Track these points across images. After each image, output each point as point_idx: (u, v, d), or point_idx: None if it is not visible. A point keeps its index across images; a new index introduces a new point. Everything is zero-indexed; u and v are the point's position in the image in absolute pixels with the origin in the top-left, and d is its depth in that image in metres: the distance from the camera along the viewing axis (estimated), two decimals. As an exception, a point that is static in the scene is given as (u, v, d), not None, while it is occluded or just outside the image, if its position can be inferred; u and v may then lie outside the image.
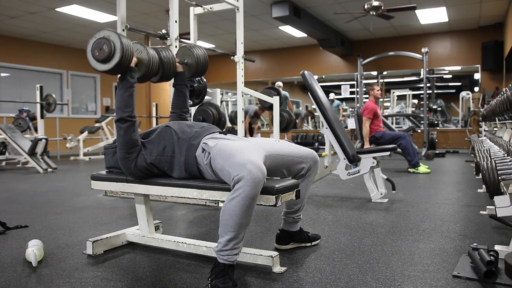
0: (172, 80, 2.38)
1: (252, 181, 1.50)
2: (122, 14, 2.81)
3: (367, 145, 5.35)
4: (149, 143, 1.88)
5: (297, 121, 9.76)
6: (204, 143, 1.78)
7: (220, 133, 1.91)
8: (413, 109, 13.04)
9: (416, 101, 13.51)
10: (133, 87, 1.89)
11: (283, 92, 8.32)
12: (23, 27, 8.86)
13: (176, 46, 3.10)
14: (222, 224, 1.57)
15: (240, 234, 1.58)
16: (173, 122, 1.98)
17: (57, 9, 7.66)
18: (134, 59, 1.94)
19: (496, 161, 2.02)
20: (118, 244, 2.17)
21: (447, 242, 2.20)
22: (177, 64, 2.31)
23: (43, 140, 6.23)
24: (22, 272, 1.81)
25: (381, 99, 6.03)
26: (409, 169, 5.44)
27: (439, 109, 11.95)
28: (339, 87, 11.99)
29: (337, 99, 12.11)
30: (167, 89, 12.95)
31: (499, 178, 1.85)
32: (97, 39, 1.85)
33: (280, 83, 8.91)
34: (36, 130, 7.31)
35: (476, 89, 10.26)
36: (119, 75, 1.92)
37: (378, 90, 5.69)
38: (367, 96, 6.34)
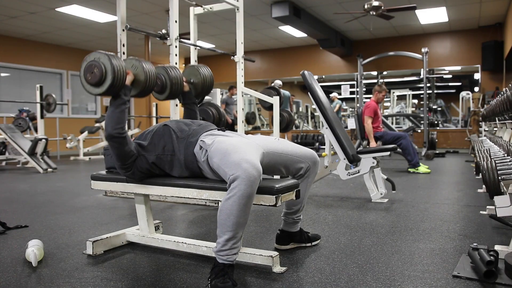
0: (182, 100, 2.42)
1: (248, 180, 1.50)
2: (122, 14, 2.81)
3: (373, 143, 5.33)
4: (149, 144, 1.88)
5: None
6: (201, 140, 1.78)
7: (217, 130, 1.91)
8: (413, 109, 13.04)
9: (416, 101, 13.51)
10: (126, 104, 1.85)
11: (284, 92, 8.31)
12: (23, 27, 8.86)
13: (176, 46, 3.11)
14: (220, 224, 1.57)
15: (238, 234, 1.58)
16: (170, 121, 1.99)
17: (57, 9, 7.66)
18: (130, 77, 1.92)
19: (496, 161, 2.02)
20: (118, 244, 2.17)
21: (447, 242, 2.20)
22: (184, 83, 2.36)
23: (43, 140, 6.22)
24: (22, 272, 1.81)
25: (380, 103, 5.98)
26: (409, 169, 5.44)
27: (439, 109, 11.95)
28: (339, 87, 11.99)
29: (337, 99, 12.11)
30: (167, 89, 12.93)
31: (499, 178, 1.84)
32: (87, 62, 1.83)
33: (279, 82, 8.88)
34: (36, 130, 7.31)
35: (476, 89, 10.26)
36: None
37: (383, 95, 5.68)
38: (367, 96, 6.34)
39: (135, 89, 2.01)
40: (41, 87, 6.77)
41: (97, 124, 8.87)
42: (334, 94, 11.34)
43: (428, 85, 8.11)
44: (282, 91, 8.34)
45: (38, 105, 6.70)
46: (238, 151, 1.62)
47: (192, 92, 2.45)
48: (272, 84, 8.66)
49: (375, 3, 6.65)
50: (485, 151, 2.46)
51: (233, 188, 1.52)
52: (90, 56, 1.84)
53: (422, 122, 8.29)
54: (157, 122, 9.69)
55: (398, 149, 5.26)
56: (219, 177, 1.73)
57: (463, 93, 10.91)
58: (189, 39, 3.83)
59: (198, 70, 2.48)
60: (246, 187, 1.50)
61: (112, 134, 1.80)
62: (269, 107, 4.14)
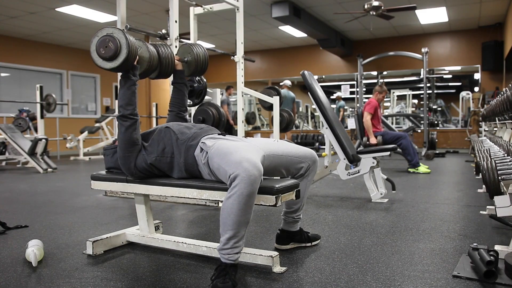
0: (172, 79, 2.38)
1: (248, 179, 1.50)
2: (122, 14, 2.81)
3: (372, 139, 5.32)
4: (149, 145, 1.88)
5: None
6: (202, 142, 1.78)
7: (219, 134, 1.91)
8: (413, 109, 13.04)
9: (416, 101, 13.51)
10: (135, 84, 1.89)
11: (291, 94, 8.26)
12: (23, 27, 8.86)
13: (176, 46, 3.11)
14: (222, 223, 1.57)
15: (240, 233, 1.58)
16: (172, 123, 1.98)
17: (57, 9, 7.66)
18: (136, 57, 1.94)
19: (496, 161, 2.02)
20: (118, 244, 2.17)
21: (447, 242, 2.20)
22: (176, 61, 2.30)
23: (43, 140, 6.23)
24: (22, 272, 1.81)
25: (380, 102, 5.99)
26: (409, 169, 5.44)
27: (439, 109, 11.95)
28: (339, 87, 11.99)
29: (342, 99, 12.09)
30: (167, 89, 12.95)
31: (499, 178, 1.84)
32: (101, 37, 1.83)
33: (289, 82, 8.79)
34: (36, 130, 7.31)
35: (476, 89, 10.26)
36: (120, 73, 1.91)
37: (383, 96, 5.68)
38: (367, 96, 6.33)
39: (140, 68, 2.02)
40: (41, 87, 6.77)
41: (97, 124, 8.87)
42: (338, 94, 11.32)
43: (428, 85, 8.11)
44: (289, 92, 8.33)
45: (38, 105, 6.70)
46: (239, 151, 1.62)
47: (186, 71, 2.38)
48: (281, 84, 8.64)
49: (375, 3, 6.65)
50: (485, 151, 2.46)
51: (234, 187, 1.52)
52: (102, 31, 1.84)
53: (422, 122, 8.29)
54: (157, 122, 9.70)
55: (398, 149, 5.26)
56: (218, 179, 1.72)
57: (463, 93, 10.91)
58: (189, 39, 3.83)
59: (191, 47, 2.42)
60: (246, 186, 1.50)
61: (125, 115, 1.83)
62: (269, 107, 4.14)
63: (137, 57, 1.94)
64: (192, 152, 1.80)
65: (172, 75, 2.34)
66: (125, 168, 1.90)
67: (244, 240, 1.63)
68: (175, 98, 2.31)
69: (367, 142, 5.30)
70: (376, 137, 5.39)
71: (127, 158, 1.86)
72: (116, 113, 1.90)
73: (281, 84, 8.71)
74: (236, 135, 3.54)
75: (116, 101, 1.90)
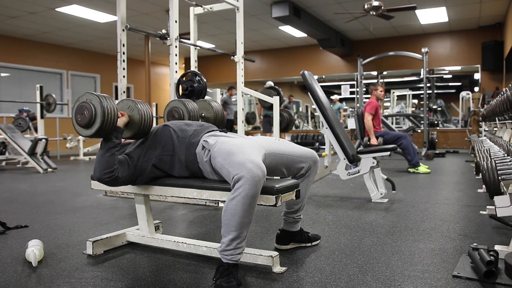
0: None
1: (252, 180, 1.50)
2: (122, 14, 2.82)
3: (373, 140, 5.32)
4: (148, 148, 1.86)
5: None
6: (204, 140, 1.78)
7: (219, 131, 1.91)
8: (413, 109, 13.04)
9: (416, 101, 13.50)
10: (116, 147, 1.79)
11: (338, 104, 8.11)
12: (23, 27, 8.86)
13: (176, 46, 3.11)
14: (224, 224, 1.57)
15: (243, 233, 1.58)
16: (171, 121, 1.98)
17: (57, 9, 7.66)
18: (124, 119, 1.85)
19: (496, 161, 2.02)
20: (118, 244, 2.17)
21: (447, 242, 2.20)
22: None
23: (43, 140, 6.23)
24: (22, 272, 1.81)
25: (381, 100, 6.02)
26: (409, 169, 5.44)
27: (439, 109, 11.95)
28: (339, 87, 11.99)
29: (339, 100, 12.10)
30: (167, 89, 12.96)
31: (499, 178, 1.84)
32: (79, 103, 1.79)
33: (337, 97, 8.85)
34: (36, 130, 7.31)
35: (476, 89, 10.26)
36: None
37: (381, 91, 5.67)
38: (367, 96, 6.33)
39: (130, 130, 1.92)
40: (41, 87, 6.77)
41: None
42: (335, 97, 11.31)
43: (428, 85, 8.10)
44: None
45: (38, 105, 6.69)
46: (242, 151, 1.62)
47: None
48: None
49: (375, 3, 6.65)
50: (485, 151, 2.46)
51: (238, 188, 1.52)
52: (82, 97, 1.79)
53: (422, 122, 8.29)
54: (157, 122, 9.69)
55: (398, 149, 5.26)
56: (220, 178, 1.72)
57: (463, 93, 10.91)
58: (189, 39, 3.83)
59: (210, 104, 2.51)
60: (250, 187, 1.50)
61: (102, 178, 1.75)
62: (269, 107, 4.14)
63: (125, 119, 1.86)
64: (193, 149, 1.79)
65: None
66: (128, 183, 1.88)
67: (246, 240, 1.63)
68: None
69: (368, 143, 5.30)
70: (377, 138, 5.39)
71: (125, 178, 1.82)
72: (92, 174, 1.84)
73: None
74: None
75: (94, 163, 1.79)
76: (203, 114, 2.47)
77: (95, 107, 1.75)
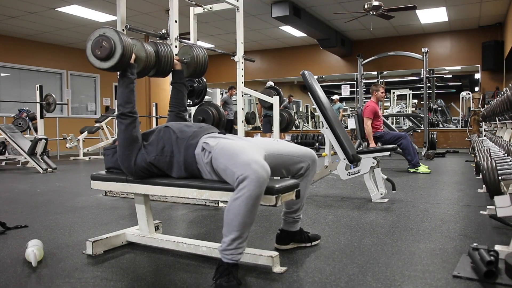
0: (171, 79, 2.39)
1: (257, 181, 1.50)
2: (122, 14, 2.81)
3: (372, 144, 5.32)
4: (148, 145, 1.88)
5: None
6: (204, 142, 1.78)
7: (218, 133, 1.91)
8: (413, 109, 13.05)
9: (416, 101, 13.51)
10: (133, 83, 1.91)
11: (339, 104, 8.20)
12: (23, 27, 8.86)
13: (176, 46, 3.10)
14: (226, 223, 1.56)
15: (244, 234, 1.58)
16: (172, 123, 1.99)
17: (57, 9, 7.67)
18: (133, 55, 1.95)
19: (496, 161, 2.02)
20: (118, 244, 2.17)
21: (447, 242, 2.20)
22: (176, 61, 2.32)
23: (43, 140, 6.22)
24: (22, 272, 1.81)
25: (381, 101, 6.04)
26: (409, 169, 5.43)
27: (439, 109, 11.96)
28: (339, 87, 11.99)
29: (339, 100, 12.10)
30: (167, 89, 12.94)
31: (499, 178, 1.84)
32: (95, 37, 1.84)
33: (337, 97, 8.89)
34: (36, 130, 7.31)
35: (476, 89, 10.26)
36: (119, 72, 1.92)
37: (382, 92, 5.66)
38: (369, 96, 6.32)
39: (137, 67, 2.03)
40: (41, 87, 6.77)
41: (97, 124, 8.87)
42: (335, 97, 11.30)
43: (428, 85, 8.10)
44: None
45: (38, 105, 6.69)
46: (246, 152, 1.62)
47: (184, 71, 2.41)
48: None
49: (375, 3, 6.65)
50: (485, 151, 2.46)
51: (242, 188, 1.51)
52: (95, 33, 1.85)
53: (422, 122, 8.29)
54: (157, 122, 9.70)
55: (398, 149, 5.25)
56: (220, 179, 1.72)
57: (463, 93, 10.92)
58: (189, 39, 3.82)
59: (191, 48, 2.45)
60: (255, 188, 1.50)
61: (124, 113, 1.85)
62: (269, 107, 4.14)
63: (134, 55, 1.95)
64: (192, 151, 1.80)
65: (171, 75, 2.35)
66: (124, 167, 1.90)
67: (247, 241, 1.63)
68: (174, 98, 2.34)
69: (367, 147, 5.31)
70: (377, 138, 5.39)
71: (127, 156, 1.87)
72: (116, 111, 1.91)
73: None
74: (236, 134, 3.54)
75: (116, 101, 1.90)
76: (185, 59, 2.42)
77: (113, 39, 1.81)
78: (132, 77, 1.91)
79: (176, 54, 2.39)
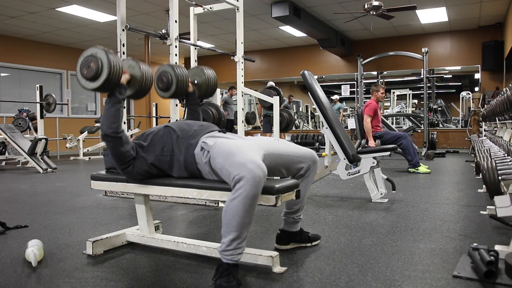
0: (186, 102, 2.47)
1: (253, 180, 1.50)
2: (122, 14, 2.81)
3: (371, 142, 5.32)
4: (148, 145, 1.88)
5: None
6: (203, 141, 1.78)
7: (219, 131, 1.91)
8: (413, 109, 13.05)
9: (416, 101, 13.52)
10: (121, 103, 1.85)
11: (339, 104, 8.21)
12: (23, 27, 8.86)
13: (176, 46, 3.10)
14: (225, 224, 1.56)
15: (243, 234, 1.58)
16: (172, 122, 1.99)
17: (57, 9, 7.67)
18: (126, 76, 1.92)
19: (496, 161, 2.02)
20: (118, 244, 2.17)
21: (447, 242, 2.20)
22: (189, 84, 2.40)
23: (43, 140, 6.22)
24: (22, 272, 1.81)
25: (381, 101, 6.03)
26: (409, 169, 5.43)
27: (439, 109, 11.96)
28: (339, 87, 12.00)
29: (339, 100, 12.10)
30: (167, 89, 12.93)
31: (499, 178, 1.84)
32: (84, 57, 1.83)
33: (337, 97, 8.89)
34: (36, 130, 7.31)
35: (476, 89, 10.26)
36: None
37: (382, 93, 5.67)
38: (369, 96, 6.32)
39: (131, 89, 2.01)
40: (41, 87, 6.77)
41: (97, 124, 8.88)
42: (335, 97, 11.30)
43: (428, 85, 8.10)
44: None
45: (38, 105, 6.70)
46: (243, 151, 1.62)
47: (196, 93, 2.48)
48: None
49: (375, 3, 6.64)
50: (485, 151, 2.46)
51: (238, 188, 1.51)
52: (87, 51, 1.85)
53: (422, 122, 8.29)
54: (157, 122, 9.69)
55: (398, 149, 5.25)
56: (219, 178, 1.72)
57: (463, 93, 10.92)
58: (189, 39, 3.82)
59: (202, 71, 2.52)
60: (251, 188, 1.50)
61: (107, 133, 1.79)
62: (269, 107, 4.14)
63: (127, 77, 1.93)
64: (192, 150, 1.80)
65: (185, 97, 2.44)
66: (123, 174, 1.91)
67: (246, 240, 1.63)
68: (191, 117, 2.40)
69: (366, 145, 5.31)
70: (377, 138, 5.39)
71: (123, 169, 1.87)
72: (100, 133, 1.89)
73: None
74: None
75: (101, 118, 1.88)
76: (196, 81, 2.48)
77: (101, 59, 1.79)
78: (120, 97, 1.85)
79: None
